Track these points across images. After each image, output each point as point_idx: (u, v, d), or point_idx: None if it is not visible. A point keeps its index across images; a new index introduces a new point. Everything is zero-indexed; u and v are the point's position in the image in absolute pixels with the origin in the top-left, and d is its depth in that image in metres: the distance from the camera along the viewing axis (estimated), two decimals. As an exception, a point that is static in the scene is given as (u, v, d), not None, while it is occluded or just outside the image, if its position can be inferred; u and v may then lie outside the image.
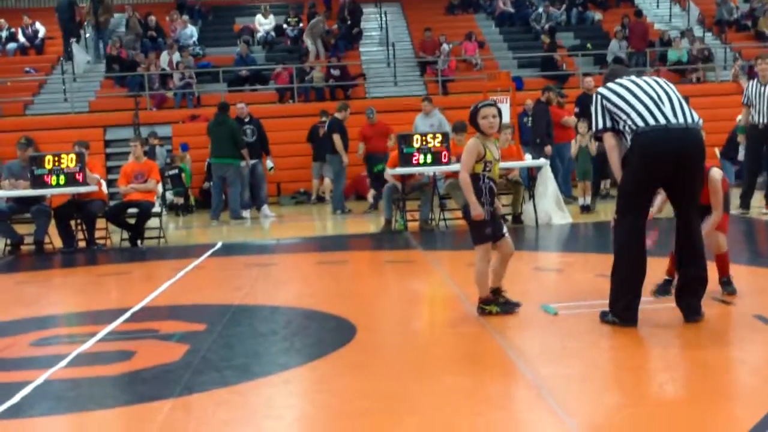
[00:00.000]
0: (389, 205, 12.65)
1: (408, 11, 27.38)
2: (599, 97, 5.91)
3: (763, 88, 12.00)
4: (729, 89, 21.16)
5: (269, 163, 17.13)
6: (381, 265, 10.08)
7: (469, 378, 4.88)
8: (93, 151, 13.86)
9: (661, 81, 5.92)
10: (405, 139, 12.50)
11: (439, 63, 22.62)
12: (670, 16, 27.12)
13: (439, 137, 12.44)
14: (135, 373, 5.30)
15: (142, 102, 21.20)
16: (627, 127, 5.72)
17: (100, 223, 12.52)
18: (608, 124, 5.86)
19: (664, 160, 5.62)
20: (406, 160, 12.34)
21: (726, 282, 6.65)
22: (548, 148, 14.98)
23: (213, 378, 5.06)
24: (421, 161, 12.31)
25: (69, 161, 12.03)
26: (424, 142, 12.31)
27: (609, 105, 5.83)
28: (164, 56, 22.65)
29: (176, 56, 22.60)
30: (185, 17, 24.99)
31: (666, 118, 5.62)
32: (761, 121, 12.04)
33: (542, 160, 13.16)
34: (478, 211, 6.23)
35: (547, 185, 12.54)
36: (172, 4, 26.61)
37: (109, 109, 21.44)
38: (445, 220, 12.87)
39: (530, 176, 13.22)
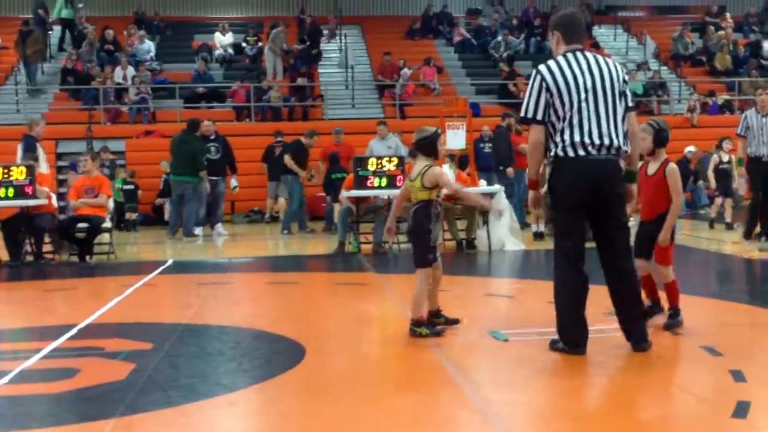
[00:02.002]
0: (343, 227, 12.62)
1: (368, 34, 27.50)
2: (540, 78, 5.67)
3: (764, 120, 11.76)
4: (682, 122, 21.64)
5: (233, 182, 17.07)
6: (333, 287, 10.03)
7: (417, 402, 4.85)
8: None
9: (605, 80, 5.67)
10: (360, 162, 12.50)
11: (397, 87, 22.71)
12: (627, 49, 27.57)
13: (395, 161, 12.47)
14: (78, 392, 5.19)
15: (96, 116, 20.96)
16: (555, 137, 5.67)
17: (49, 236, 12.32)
18: (539, 116, 5.67)
19: (584, 191, 5.64)
20: (360, 182, 12.34)
21: (673, 314, 6.69)
22: (510, 170, 15.23)
23: (158, 398, 4.97)
24: (376, 184, 12.32)
25: (18, 173, 11.85)
26: (379, 166, 12.33)
27: (548, 96, 5.63)
28: (118, 71, 22.44)
29: (130, 71, 22.41)
30: (142, 32, 24.80)
31: (592, 143, 5.57)
32: (765, 152, 11.77)
33: (497, 187, 13.24)
34: (483, 202, 6.63)
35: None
36: (131, 19, 26.42)
37: (62, 122, 21.15)
38: (398, 243, 12.86)
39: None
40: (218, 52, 24.93)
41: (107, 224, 12.52)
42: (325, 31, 26.38)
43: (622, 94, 5.73)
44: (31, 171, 11.91)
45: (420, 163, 6.58)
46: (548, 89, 5.65)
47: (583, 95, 5.61)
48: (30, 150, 12.97)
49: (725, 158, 14.41)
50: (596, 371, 5.52)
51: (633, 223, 6.97)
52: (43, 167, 12.95)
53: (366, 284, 9.89)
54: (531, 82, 5.75)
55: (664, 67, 26.09)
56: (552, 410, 4.79)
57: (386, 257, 12.24)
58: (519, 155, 15.60)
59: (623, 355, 5.81)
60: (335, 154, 16.37)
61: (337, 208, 16.40)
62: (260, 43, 25.12)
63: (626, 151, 5.75)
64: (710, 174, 15.17)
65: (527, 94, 5.77)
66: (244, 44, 25.23)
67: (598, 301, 6.01)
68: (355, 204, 12.61)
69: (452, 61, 25.98)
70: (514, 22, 27.67)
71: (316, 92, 23.33)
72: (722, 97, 23.94)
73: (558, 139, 5.65)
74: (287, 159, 15.89)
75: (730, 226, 14.24)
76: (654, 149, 6.65)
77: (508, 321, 7.27)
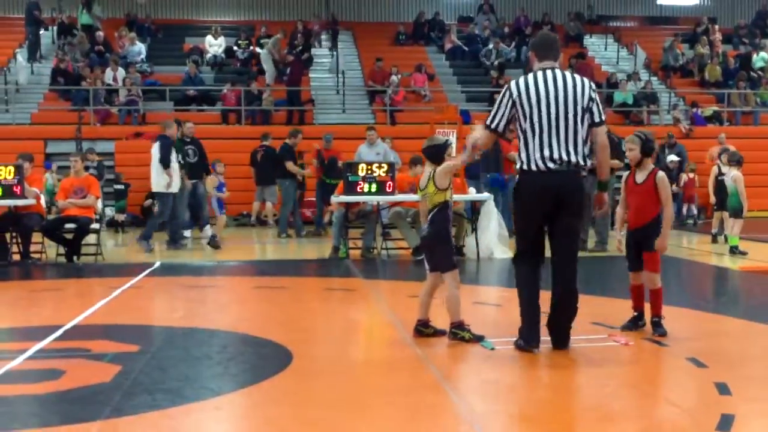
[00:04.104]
0: (339, 232, 12.63)
1: (359, 40, 27.52)
2: (509, 93, 6.05)
3: None
4: (673, 132, 21.69)
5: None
6: (320, 292, 10.02)
7: (403, 410, 4.85)
8: (34, 163, 13.58)
9: (569, 98, 5.95)
10: (350, 167, 12.50)
11: (387, 93, 22.73)
12: (618, 59, 27.68)
13: (385, 167, 12.48)
14: (63, 393, 5.17)
15: (86, 117, 20.89)
16: (521, 152, 6.02)
17: (36, 237, 12.27)
18: (501, 128, 6.11)
19: (544, 201, 5.98)
20: (350, 188, 12.34)
21: (656, 323, 6.77)
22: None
23: (144, 401, 4.96)
24: (366, 190, 12.32)
25: (7, 173, 11.81)
26: (369, 171, 12.33)
27: (514, 111, 6.00)
28: (108, 72, 22.40)
29: (121, 72, 22.36)
30: (133, 34, 24.74)
31: (552, 158, 5.88)
32: None
33: (486, 194, 13.26)
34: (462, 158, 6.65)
35: (490, 219, 12.64)
36: (122, 20, 26.37)
37: (51, 122, 21.08)
38: (387, 249, 12.87)
39: (473, 209, 13.30)
40: (209, 55, 24.89)
41: (95, 225, 12.48)
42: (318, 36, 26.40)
43: (587, 110, 5.99)
44: (19, 171, 11.86)
45: (428, 170, 6.69)
46: (515, 105, 6.03)
47: (545, 112, 5.94)
48: (166, 149, 13.47)
49: (725, 170, 14.12)
50: (582, 381, 5.53)
51: (622, 234, 7.05)
52: (175, 166, 13.62)
53: (354, 290, 9.88)
54: (501, 94, 6.14)
55: (654, 78, 26.20)
56: (537, 419, 4.79)
57: (374, 263, 12.24)
58: (507, 163, 15.62)
59: (609, 366, 5.83)
60: (333, 159, 16.40)
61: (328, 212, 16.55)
62: (251, 47, 25.11)
63: (584, 167, 6.04)
64: (710, 186, 15.10)
65: (496, 104, 6.16)
66: (235, 48, 25.22)
67: (587, 310, 6.03)
68: (345, 209, 12.61)
69: (443, 68, 26.02)
70: (506, 30, 27.73)
71: (306, 97, 23.31)
72: (711, 109, 24.06)
73: (522, 154, 6.03)
74: (290, 165, 16.15)
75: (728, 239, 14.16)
76: (642, 159, 6.82)
77: (495, 329, 7.26)
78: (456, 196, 12.27)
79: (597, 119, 6.03)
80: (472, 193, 13.36)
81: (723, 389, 5.16)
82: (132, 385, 5.29)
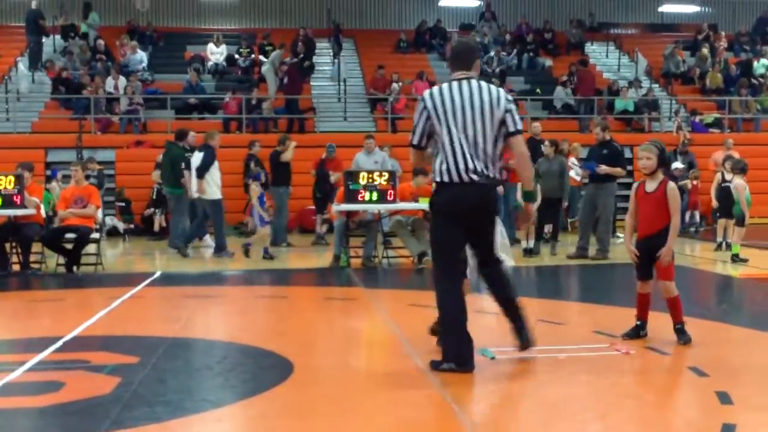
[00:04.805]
0: (339, 241, 12.61)
1: (361, 48, 27.53)
2: (422, 105, 5.95)
3: None
4: (672, 140, 21.66)
5: None
6: (321, 301, 10.00)
7: (404, 420, 4.83)
8: (34, 172, 13.58)
9: (485, 108, 5.88)
10: (351, 176, 12.49)
11: (389, 100, 22.72)
12: (619, 66, 27.67)
13: (386, 175, 12.47)
14: (63, 406, 5.15)
15: (87, 125, 20.90)
16: (434, 163, 5.96)
17: (36, 247, 12.26)
18: (423, 143, 6.00)
19: (461, 214, 5.91)
20: (351, 196, 12.33)
21: (680, 330, 6.77)
22: (500, 188, 15.17)
23: (144, 413, 4.93)
24: (367, 198, 12.31)
25: (7, 183, 11.80)
26: (370, 180, 12.32)
27: (430, 123, 5.91)
28: (109, 80, 22.41)
29: (122, 81, 22.37)
30: (134, 43, 24.77)
31: (467, 171, 5.82)
32: None
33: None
34: None
35: (491, 227, 12.58)
36: (123, 29, 26.39)
37: (52, 131, 21.08)
38: (388, 258, 12.85)
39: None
40: (210, 63, 24.90)
41: (95, 235, 12.46)
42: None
43: (502, 121, 5.93)
44: (20, 181, 11.85)
45: None
46: (429, 116, 5.93)
47: (460, 123, 5.85)
48: (210, 159, 13.84)
49: (728, 177, 13.90)
50: (581, 390, 5.50)
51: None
52: (216, 175, 14.02)
53: (354, 299, 9.86)
54: (416, 108, 6.06)
55: (656, 85, 26.19)
56: (538, 429, 4.76)
57: (375, 272, 12.22)
58: (508, 171, 15.59)
59: (608, 374, 5.81)
60: (324, 173, 16.39)
61: (319, 220, 16.52)
62: (253, 55, 25.11)
63: (495, 177, 6.00)
64: (712, 192, 15.06)
65: (414, 119, 6.04)
66: (236, 56, 25.23)
67: (587, 320, 6.00)
68: (346, 217, 12.59)
69: (445, 75, 25.86)
70: (507, 37, 27.74)
71: (307, 105, 23.30)
72: (712, 115, 24.03)
73: (437, 166, 5.94)
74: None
75: (730, 246, 14.12)
76: (656, 168, 6.80)
77: (496, 338, 7.24)
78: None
79: (512, 129, 5.96)
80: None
81: (724, 398, 5.13)
82: (132, 397, 5.26)
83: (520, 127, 6.00)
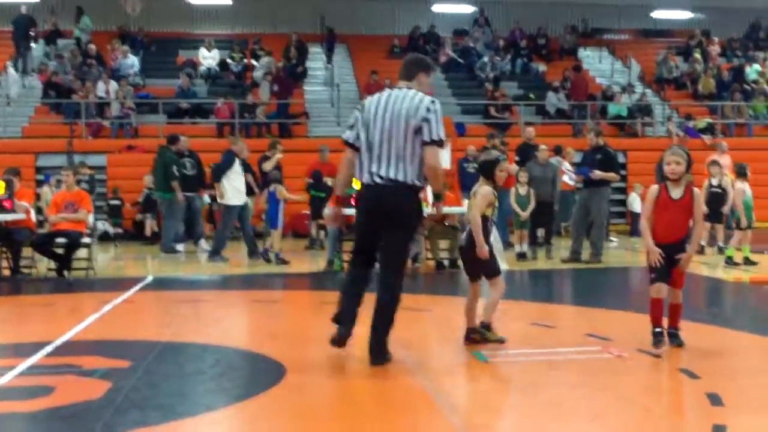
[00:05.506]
0: (333, 245, 12.57)
1: (354, 53, 27.52)
2: (358, 110, 6.42)
3: None
4: (664, 144, 21.71)
5: (206, 199, 17.02)
6: (315, 305, 9.95)
7: (397, 425, 4.81)
8: (23, 177, 13.52)
9: (401, 116, 6.10)
10: (344, 180, 12.42)
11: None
12: (612, 71, 27.72)
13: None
14: (53, 410, 5.10)
15: (78, 130, 20.83)
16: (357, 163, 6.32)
17: (26, 251, 12.19)
18: (352, 139, 6.34)
19: (371, 214, 6.26)
20: (344, 201, 12.25)
21: (673, 334, 6.73)
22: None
23: (135, 417, 4.88)
24: (360, 202, 12.24)
25: (-4, 188, 11.75)
26: (363, 184, 12.26)
27: (360, 127, 6.30)
28: (100, 85, 22.35)
29: (113, 85, 22.31)
30: (126, 47, 24.70)
31: (379, 174, 6.11)
32: None
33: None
34: (484, 250, 6.65)
35: (486, 232, 12.56)
36: (115, 33, 26.33)
37: (42, 135, 21.00)
38: (381, 262, 12.78)
39: (468, 222, 13.26)
40: (202, 68, 24.84)
41: (86, 240, 12.38)
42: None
43: (418, 129, 6.07)
44: (9, 186, 11.79)
45: (479, 184, 6.97)
46: (358, 121, 6.35)
47: (378, 129, 6.17)
48: (226, 163, 13.89)
49: (714, 182, 13.80)
50: (574, 393, 5.48)
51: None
52: (235, 180, 13.96)
53: (348, 303, 9.79)
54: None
55: (649, 90, 26.24)
56: (533, 434, 4.74)
57: (368, 276, 12.16)
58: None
59: (601, 377, 5.79)
60: (317, 172, 16.34)
61: (314, 226, 16.45)
62: (245, 60, 25.08)
63: (409, 182, 6.14)
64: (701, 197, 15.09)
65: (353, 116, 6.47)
66: (229, 60, 25.18)
67: (580, 323, 5.97)
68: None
69: (438, 80, 25.98)
70: (501, 43, 27.77)
71: (300, 109, 23.28)
72: (705, 121, 24.09)
73: (358, 167, 6.30)
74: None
75: (721, 250, 14.16)
76: (684, 174, 6.69)
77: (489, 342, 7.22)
78: (450, 209, 12.29)
79: (427, 138, 6.06)
80: (467, 205, 13.31)
81: (715, 400, 5.12)
82: (123, 401, 5.22)
83: (437, 137, 6.10)
